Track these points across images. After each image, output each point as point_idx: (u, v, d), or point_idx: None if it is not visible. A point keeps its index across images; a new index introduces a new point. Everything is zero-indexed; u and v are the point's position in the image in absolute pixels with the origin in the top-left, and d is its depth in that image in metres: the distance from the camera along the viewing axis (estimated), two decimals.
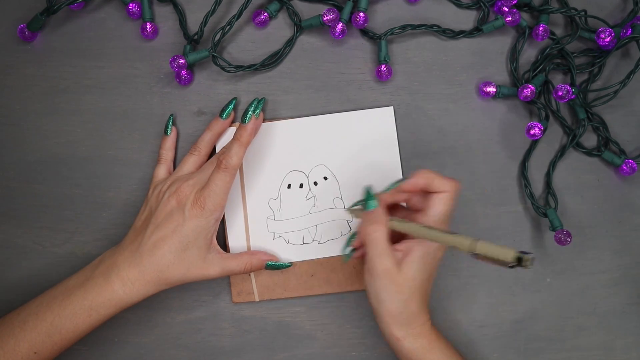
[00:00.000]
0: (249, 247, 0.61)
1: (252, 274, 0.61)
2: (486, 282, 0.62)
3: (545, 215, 0.61)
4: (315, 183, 0.62)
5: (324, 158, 0.62)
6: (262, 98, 0.59)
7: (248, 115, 0.56)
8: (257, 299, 0.61)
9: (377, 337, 0.61)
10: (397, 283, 0.51)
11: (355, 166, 0.62)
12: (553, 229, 0.60)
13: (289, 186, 0.62)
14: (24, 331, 0.52)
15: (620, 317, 0.62)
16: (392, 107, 0.62)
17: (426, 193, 0.53)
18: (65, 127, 0.63)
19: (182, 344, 0.61)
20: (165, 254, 0.54)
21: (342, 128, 0.62)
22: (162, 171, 0.60)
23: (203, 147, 0.60)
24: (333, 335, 0.62)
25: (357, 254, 0.56)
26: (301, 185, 0.62)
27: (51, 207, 0.62)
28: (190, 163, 0.59)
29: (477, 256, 0.46)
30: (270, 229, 0.61)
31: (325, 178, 0.62)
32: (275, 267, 0.60)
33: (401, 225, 0.52)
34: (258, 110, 0.57)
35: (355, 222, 0.61)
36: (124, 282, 0.53)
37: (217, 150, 0.61)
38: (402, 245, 0.52)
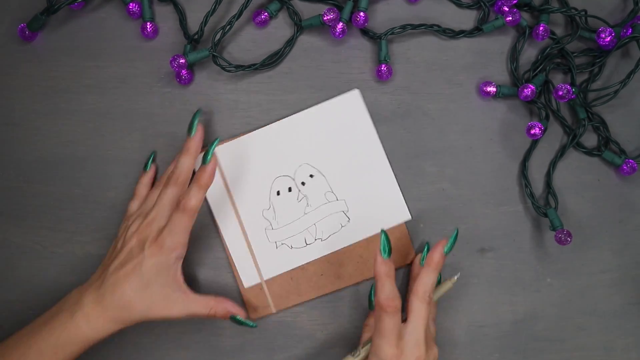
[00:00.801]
0: (255, 262, 0.61)
1: (264, 286, 0.61)
2: (486, 282, 0.62)
3: (546, 215, 0.60)
4: (303, 183, 0.61)
5: (305, 156, 0.62)
6: (217, 138, 0.56)
7: (209, 156, 0.54)
8: (274, 311, 0.61)
9: None
10: None
11: (338, 156, 0.61)
12: (553, 228, 0.60)
13: (278, 193, 0.61)
14: None
15: (621, 317, 0.62)
16: (357, 90, 0.62)
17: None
18: (65, 126, 0.62)
19: (182, 344, 0.61)
20: (126, 292, 0.53)
21: (315, 123, 0.62)
22: (134, 206, 0.60)
23: (182, 175, 0.56)
24: (333, 335, 0.62)
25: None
26: (290, 189, 0.61)
27: (51, 207, 0.62)
28: (168, 196, 0.55)
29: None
30: (271, 239, 0.61)
31: (312, 176, 0.62)
32: (239, 322, 0.56)
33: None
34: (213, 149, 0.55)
35: (356, 223, 0.61)
36: (88, 319, 0.52)
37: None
38: None
